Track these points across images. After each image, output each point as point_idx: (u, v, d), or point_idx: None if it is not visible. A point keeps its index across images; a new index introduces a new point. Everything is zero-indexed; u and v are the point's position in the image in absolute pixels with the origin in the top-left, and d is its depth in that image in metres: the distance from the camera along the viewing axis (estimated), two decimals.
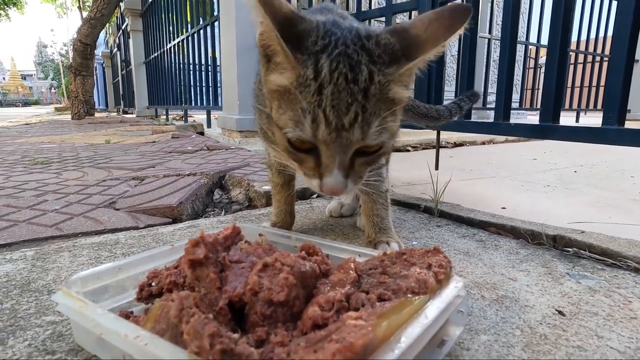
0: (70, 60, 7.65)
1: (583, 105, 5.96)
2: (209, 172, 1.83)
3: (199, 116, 7.17)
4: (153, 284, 0.62)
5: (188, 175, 1.81)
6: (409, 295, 0.48)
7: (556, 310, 0.65)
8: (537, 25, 4.84)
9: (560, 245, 0.92)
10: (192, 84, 5.21)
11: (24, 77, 53.24)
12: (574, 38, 5.25)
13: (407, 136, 3.54)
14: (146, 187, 1.65)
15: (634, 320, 0.62)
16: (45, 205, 1.43)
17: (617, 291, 0.71)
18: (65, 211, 1.37)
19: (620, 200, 1.71)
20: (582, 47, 5.57)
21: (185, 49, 5.24)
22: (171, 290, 0.59)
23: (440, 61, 1.86)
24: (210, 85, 4.64)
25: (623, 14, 1.17)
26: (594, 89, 5.89)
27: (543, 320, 0.62)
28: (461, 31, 0.55)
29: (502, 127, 1.57)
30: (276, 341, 0.43)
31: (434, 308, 0.46)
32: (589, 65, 5.77)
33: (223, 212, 1.48)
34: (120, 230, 1.19)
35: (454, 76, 4.92)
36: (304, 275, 0.51)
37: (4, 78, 51.90)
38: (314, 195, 1.49)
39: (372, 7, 2.52)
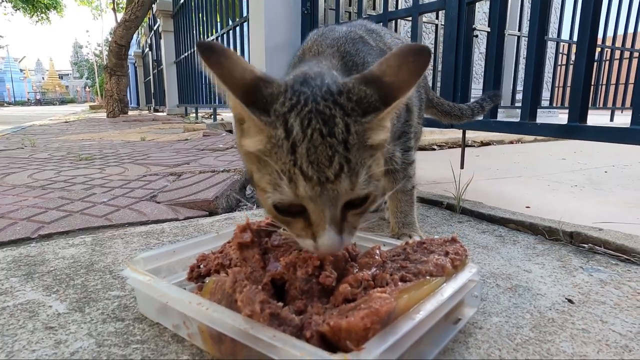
0: (105, 61, 7.99)
1: (619, 104, 5.75)
2: (241, 169, 1.94)
3: (226, 114, 7.36)
4: (201, 266, 0.72)
5: (222, 171, 1.92)
6: (428, 277, 0.55)
7: (566, 298, 0.70)
8: (569, 21, 4.72)
9: (577, 241, 0.96)
10: None
11: (61, 77, 55.76)
12: (610, 33, 5.09)
13: (433, 135, 3.56)
14: (184, 182, 1.77)
15: (639, 309, 0.66)
16: (94, 198, 1.56)
17: (627, 284, 0.76)
18: (112, 203, 1.50)
19: None
20: (619, 43, 5.37)
21: None
22: (218, 271, 0.68)
23: (467, 61, 1.89)
24: None
25: None
26: (630, 87, 5.67)
27: (552, 307, 0.67)
28: (423, 74, 0.57)
29: (527, 126, 1.58)
30: (313, 311, 0.51)
31: (449, 288, 0.53)
32: (625, 62, 5.56)
33: (255, 207, 1.58)
34: (163, 221, 1.30)
35: (482, 74, 4.88)
36: (336, 258, 0.59)
37: (43, 78, 54.50)
38: None
39: (399, 7, 2.57)
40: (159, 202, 1.51)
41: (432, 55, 0.59)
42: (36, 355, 0.56)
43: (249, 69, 0.55)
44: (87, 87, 46.49)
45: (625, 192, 1.88)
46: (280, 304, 0.49)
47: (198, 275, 0.70)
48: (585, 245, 0.93)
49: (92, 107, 16.37)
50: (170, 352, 0.56)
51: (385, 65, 0.57)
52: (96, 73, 29.86)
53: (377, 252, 0.63)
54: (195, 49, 0.53)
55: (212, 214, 1.43)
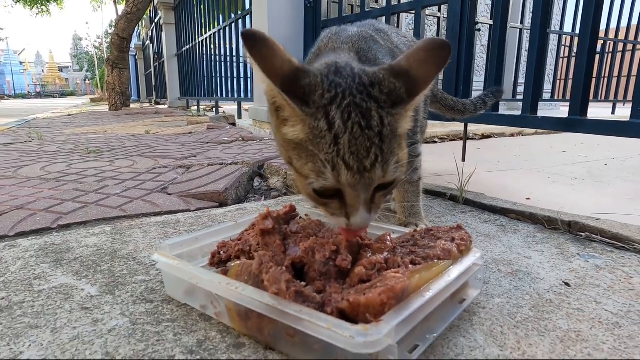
0: (106, 53, 7.99)
1: (621, 96, 5.76)
2: (249, 161, 1.99)
3: (228, 107, 7.39)
4: (222, 252, 0.77)
5: (230, 164, 1.97)
6: (436, 261, 0.60)
7: (563, 282, 0.75)
8: (572, 13, 4.72)
9: (575, 230, 1.01)
10: (223, 76, 5.40)
11: (60, 69, 55.59)
12: (613, 25, 5.08)
13: (434, 128, 3.60)
14: (193, 174, 1.82)
15: (631, 291, 0.72)
16: (107, 190, 1.61)
17: (621, 269, 0.81)
18: (125, 195, 1.54)
19: None
20: (621, 36, 5.38)
21: (217, 42, 5.42)
22: (238, 257, 0.73)
23: (469, 55, 1.92)
24: (241, 77, 4.81)
25: None
26: (633, 79, 5.68)
27: (550, 289, 0.72)
28: (445, 67, 0.62)
29: (529, 120, 1.62)
30: (331, 291, 0.56)
31: (455, 270, 0.59)
32: (628, 54, 5.56)
33: (263, 198, 1.63)
34: (176, 212, 1.35)
35: (484, 66, 4.90)
36: (351, 244, 0.64)
37: (43, 70, 54.35)
38: None
39: (402, 1, 2.59)
40: (170, 194, 1.56)
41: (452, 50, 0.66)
42: (77, 331, 0.61)
43: (288, 59, 0.59)
44: (87, 80, 46.35)
45: (624, 184, 1.93)
46: (303, 283, 0.54)
47: (219, 261, 0.75)
48: (583, 234, 0.98)
49: (92, 100, 16.38)
50: (199, 329, 0.62)
51: (412, 59, 0.61)
52: (96, 65, 29.76)
53: (388, 238, 0.68)
54: (240, 37, 0.57)
55: (222, 205, 1.48)
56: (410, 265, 0.59)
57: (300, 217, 0.74)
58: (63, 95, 43.81)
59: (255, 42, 0.57)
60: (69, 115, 7.36)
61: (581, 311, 0.65)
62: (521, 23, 4.21)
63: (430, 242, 0.67)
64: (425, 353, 0.54)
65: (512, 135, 4.05)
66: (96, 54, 32.15)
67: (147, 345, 0.58)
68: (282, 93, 0.57)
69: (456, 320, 0.62)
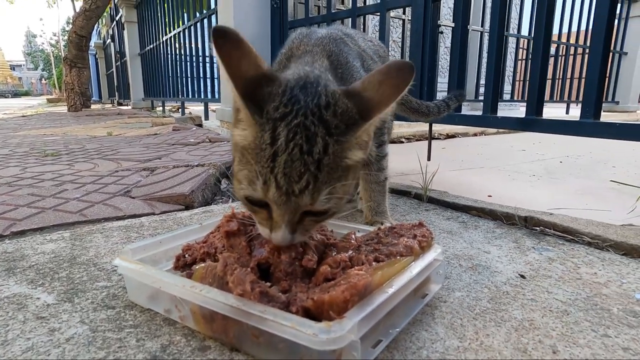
0: (64, 52, 7.64)
1: (574, 97, 6.10)
2: (216, 163, 1.96)
3: (194, 108, 7.24)
4: (187, 255, 0.75)
5: (196, 166, 1.93)
6: (399, 257, 0.62)
7: (519, 274, 0.79)
8: (528, 17, 4.95)
9: (531, 224, 1.06)
10: (189, 76, 5.29)
11: (12, 68, 52.56)
12: (565, 30, 5.38)
13: (400, 128, 3.68)
14: (158, 177, 1.78)
15: (578, 280, 0.77)
16: (66, 194, 1.54)
17: (570, 260, 0.86)
18: (85, 199, 1.49)
19: (599, 189, 1.86)
20: (573, 40, 5.69)
21: (183, 41, 5.31)
22: (204, 259, 0.72)
23: (432, 56, 1.98)
24: (208, 77, 4.73)
25: (600, 7, 1.26)
26: (584, 81, 6.00)
27: (507, 282, 0.76)
28: (406, 90, 0.58)
29: (489, 120, 1.69)
30: (297, 290, 0.57)
31: (417, 266, 0.60)
32: (579, 57, 5.90)
33: (230, 200, 1.61)
34: (140, 216, 1.31)
35: (448, 68, 5.05)
36: (316, 243, 0.65)
37: None
38: None
39: (367, 3, 2.63)
40: (133, 197, 1.52)
41: (414, 71, 0.61)
42: (32, 342, 0.59)
43: (256, 63, 0.59)
44: (43, 79, 44.08)
45: (576, 180, 2.05)
46: (268, 284, 0.54)
47: (184, 264, 0.74)
48: (538, 228, 1.04)
49: (50, 101, 15.60)
50: (163, 333, 0.60)
51: (367, 81, 0.60)
52: (53, 64, 28.37)
53: (353, 237, 0.69)
54: (211, 33, 0.56)
55: (188, 207, 1.45)
56: (373, 263, 0.61)
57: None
58: (16, 95, 41.44)
59: (225, 41, 0.57)
60: (23, 116, 6.98)
61: (534, 301, 0.69)
62: (482, 26, 4.38)
63: (393, 239, 0.68)
64: (388, 348, 0.56)
65: (475, 134, 4.20)
66: (52, 52, 30.65)
67: (108, 353, 0.56)
68: (240, 97, 0.57)
69: (418, 314, 0.64)
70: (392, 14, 2.57)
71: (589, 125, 1.31)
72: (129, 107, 8.60)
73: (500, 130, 4.34)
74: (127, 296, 0.71)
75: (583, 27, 5.58)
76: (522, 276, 0.78)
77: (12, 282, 0.78)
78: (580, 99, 5.82)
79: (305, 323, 0.46)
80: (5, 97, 37.52)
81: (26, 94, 43.33)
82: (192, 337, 0.59)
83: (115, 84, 11.27)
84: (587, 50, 5.78)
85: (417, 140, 3.68)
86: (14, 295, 0.73)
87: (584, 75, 5.88)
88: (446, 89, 1.87)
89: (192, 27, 4.89)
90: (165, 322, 0.63)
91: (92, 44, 10.04)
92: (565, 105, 6.13)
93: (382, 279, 0.54)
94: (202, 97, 4.88)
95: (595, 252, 0.90)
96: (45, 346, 0.58)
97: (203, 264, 0.63)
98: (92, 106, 8.88)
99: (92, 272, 0.83)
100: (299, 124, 0.56)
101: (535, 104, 1.50)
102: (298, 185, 0.55)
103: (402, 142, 3.54)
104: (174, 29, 5.57)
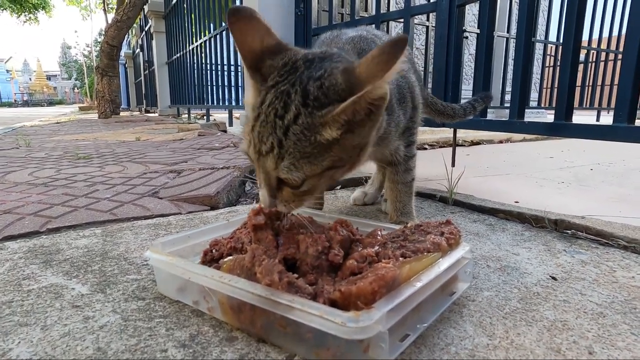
0: (95, 61, 7.96)
1: (605, 104, 5.90)
2: (240, 166, 1.99)
3: (219, 115, 7.38)
4: (214, 250, 0.77)
5: (221, 168, 1.97)
6: (426, 253, 0.61)
7: (550, 276, 0.77)
8: (556, 23, 4.84)
9: (561, 228, 1.03)
10: (214, 84, 5.41)
11: (48, 78, 55.01)
12: (595, 36, 5.23)
13: (424, 134, 3.64)
14: (184, 179, 1.82)
15: (614, 284, 0.74)
16: (97, 194, 1.60)
17: (605, 263, 0.83)
18: (115, 199, 1.53)
19: (633, 196, 1.77)
20: (604, 45, 5.52)
21: (208, 50, 5.44)
22: (230, 254, 0.73)
23: (457, 61, 1.96)
24: (232, 85, 4.82)
25: (635, 14, 1.23)
26: (615, 88, 5.81)
27: (538, 283, 0.74)
28: (397, 66, 0.54)
29: (516, 125, 1.65)
30: (323, 283, 0.57)
31: (445, 262, 0.60)
32: (610, 64, 5.72)
33: (255, 202, 1.63)
34: (167, 215, 1.34)
35: (472, 75, 4.99)
36: (342, 238, 0.65)
37: (30, 79, 53.70)
38: (338, 187, 1.63)
39: (391, 9, 2.64)
40: (161, 198, 1.55)
41: (408, 46, 0.60)
42: (68, 328, 0.61)
43: (263, 38, 0.64)
44: (75, 88, 45.96)
45: (609, 188, 1.97)
46: (295, 275, 0.55)
47: (211, 259, 0.75)
48: (569, 231, 1.00)
49: (81, 109, 16.22)
50: (191, 324, 0.62)
51: (364, 58, 0.59)
52: (85, 74, 29.56)
53: (379, 233, 0.69)
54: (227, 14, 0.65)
55: (213, 208, 1.48)
56: (400, 258, 0.60)
57: (292, 214, 0.74)
58: (51, 103, 43.31)
59: (237, 18, 0.62)
60: (58, 123, 7.28)
61: (567, 302, 0.67)
62: (507, 32, 4.31)
63: (420, 236, 0.68)
64: (415, 343, 0.55)
65: (501, 142, 4.11)
66: (85, 62, 31.95)
67: (139, 340, 0.58)
68: (247, 68, 0.62)
69: (446, 312, 0.63)
70: (415, 20, 2.56)
71: (622, 130, 1.26)
72: (156, 114, 8.85)
73: (527, 137, 4.24)
74: (157, 288, 0.73)
75: (615, 33, 5.40)
76: (554, 278, 0.76)
77: (49, 273, 0.81)
78: (612, 106, 5.65)
79: (334, 312, 0.46)
80: (41, 106, 39.26)
81: (60, 102, 45.26)
82: (220, 327, 0.60)
83: (143, 92, 11.64)
84: (619, 56, 5.62)
85: (440, 147, 3.63)
86: (51, 285, 0.76)
87: (615, 82, 5.71)
88: (470, 96, 1.85)
89: (217, 36, 5.00)
90: (193, 313, 0.65)
91: (122, 53, 10.43)
92: (595, 112, 5.93)
93: (409, 272, 0.54)
94: (227, 104, 4.97)
95: (633, 256, 0.87)
96: (80, 332, 0.60)
97: (231, 257, 0.64)
98: (121, 113, 9.19)
99: (123, 265, 0.85)
100: (284, 91, 0.60)
101: (565, 108, 1.46)
102: (265, 147, 0.60)
103: (426, 148, 3.50)
104: (200, 38, 5.72)
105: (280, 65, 0.62)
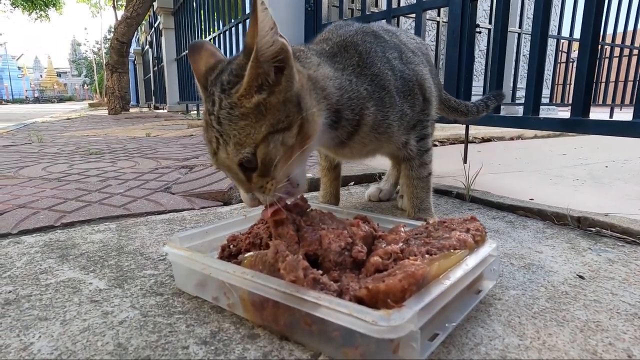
0: (105, 58, 8.00)
1: (618, 101, 5.78)
2: None
3: None
4: (232, 246, 0.76)
5: None
6: (452, 250, 0.59)
7: (577, 275, 0.75)
8: (569, 18, 4.75)
9: (584, 225, 1.00)
10: None
11: (59, 75, 55.55)
12: (609, 31, 5.12)
13: (434, 131, 3.60)
14: (196, 174, 1.81)
15: None
16: (110, 189, 1.60)
17: (634, 262, 0.80)
18: (128, 194, 1.53)
19: None
20: (619, 40, 5.42)
21: (217, 46, 5.43)
22: (249, 250, 0.72)
23: (470, 56, 1.93)
24: None
25: None
26: (630, 84, 5.70)
27: (565, 282, 0.72)
28: (260, 18, 0.60)
29: (531, 121, 1.62)
30: (348, 280, 0.55)
31: (472, 259, 0.58)
32: (625, 59, 5.60)
33: None
34: (180, 210, 1.34)
35: (482, 71, 4.92)
36: (365, 234, 0.63)
37: (41, 75, 54.25)
38: (352, 183, 1.61)
39: (402, 4, 2.61)
40: (174, 193, 1.55)
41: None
42: (87, 323, 0.60)
43: (207, 60, 0.71)
44: (85, 85, 46.35)
45: (626, 185, 1.93)
46: (320, 271, 0.53)
47: (229, 255, 0.74)
48: (592, 229, 0.98)
49: (91, 105, 16.34)
50: (212, 320, 0.61)
51: None
52: (95, 71, 29.79)
53: (402, 229, 0.67)
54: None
55: (226, 204, 1.47)
56: (426, 255, 0.58)
57: (312, 210, 0.73)
58: (61, 100, 43.74)
59: (192, 52, 0.72)
60: (68, 119, 7.34)
61: (598, 302, 0.64)
62: (519, 27, 4.24)
63: (444, 233, 0.66)
64: (443, 343, 0.54)
65: (512, 138, 4.06)
66: (95, 59, 32.20)
67: (160, 336, 0.57)
68: (199, 84, 0.70)
69: (473, 311, 0.61)
70: (427, 16, 2.53)
71: None
72: (165, 111, 8.88)
73: (539, 134, 4.18)
74: (175, 284, 0.72)
75: (630, 28, 5.28)
76: (581, 277, 0.74)
77: (66, 268, 0.81)
78: (626, 102, 5.54)
79: (363, 310, 0.45)
80: (52, 102, 39.69)
81: (70, 99, 45.66)
82: (241, 324, 0.59)
83: (152, 89, 11.68)
84: (634, 52, 5.51)
85: (450, 144, 3.59)
86: (69, 280, 0.75)
87: (630, 78, 5.59)
88: (481, 93, 1.82)
89: (226, 32, 4.99)
90: (213, 310, 0.64)
91: (131, 50, 10.48)
92: (608, 109, 5.82)
93: (438, 270, 0.52)
94: None
95: None
96: (100, 327, 0.59)
97: (252, 252, 0.63)
98: (131, 110, 9.24)
99: (139, 260, 0.85)
100: (211, 93, 0.66)
101: (582, 104, 1.43)
102: (214, 144, 0.64)
103: (436, 145, 3.46)
104: (209, 34, 5.71)
105: (213, 77, 0.68)
